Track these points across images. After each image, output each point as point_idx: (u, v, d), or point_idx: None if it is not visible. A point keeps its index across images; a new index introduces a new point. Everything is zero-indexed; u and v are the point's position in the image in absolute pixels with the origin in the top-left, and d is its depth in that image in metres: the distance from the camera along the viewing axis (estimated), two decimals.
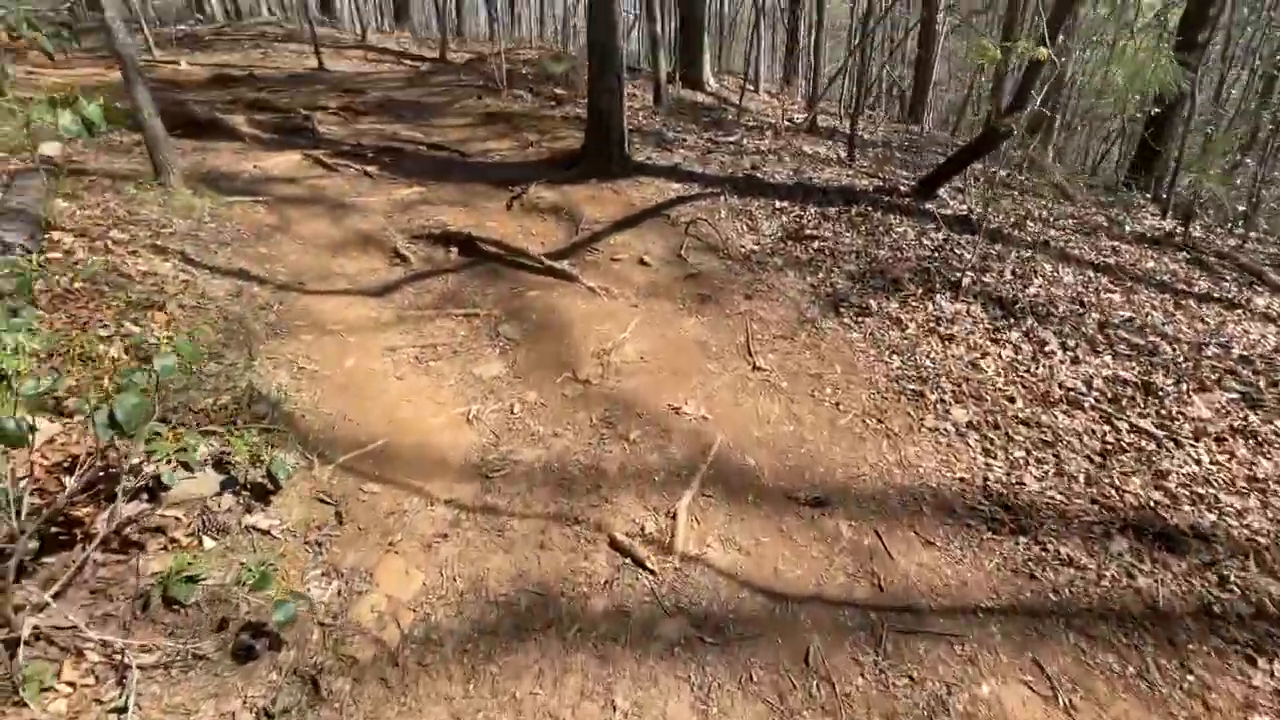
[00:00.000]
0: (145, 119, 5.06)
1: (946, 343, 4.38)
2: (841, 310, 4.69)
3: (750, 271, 5.21)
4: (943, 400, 3.83)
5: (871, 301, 4.77)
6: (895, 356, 4.26)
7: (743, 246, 5.50)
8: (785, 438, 3.49)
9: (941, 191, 6.79)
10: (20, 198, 4.19)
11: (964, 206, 6.61)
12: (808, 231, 5.71)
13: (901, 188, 6.85)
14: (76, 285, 3.45)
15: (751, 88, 14.02)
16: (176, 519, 2.49)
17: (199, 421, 2.87)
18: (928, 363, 4.18)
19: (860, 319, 4.61)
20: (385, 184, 6.40)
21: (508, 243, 5.14)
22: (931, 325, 4.56)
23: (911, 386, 3.95)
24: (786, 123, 9.77)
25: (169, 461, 2.44)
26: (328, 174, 6.44)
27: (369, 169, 6.61)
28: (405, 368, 3.80)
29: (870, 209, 6.21)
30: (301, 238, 5.09)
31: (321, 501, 2.81)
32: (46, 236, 3.95)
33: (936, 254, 5.44)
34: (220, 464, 2.72)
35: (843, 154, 8.14)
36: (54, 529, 2.27)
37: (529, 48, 17.98)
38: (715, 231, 5.53)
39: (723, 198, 6.07)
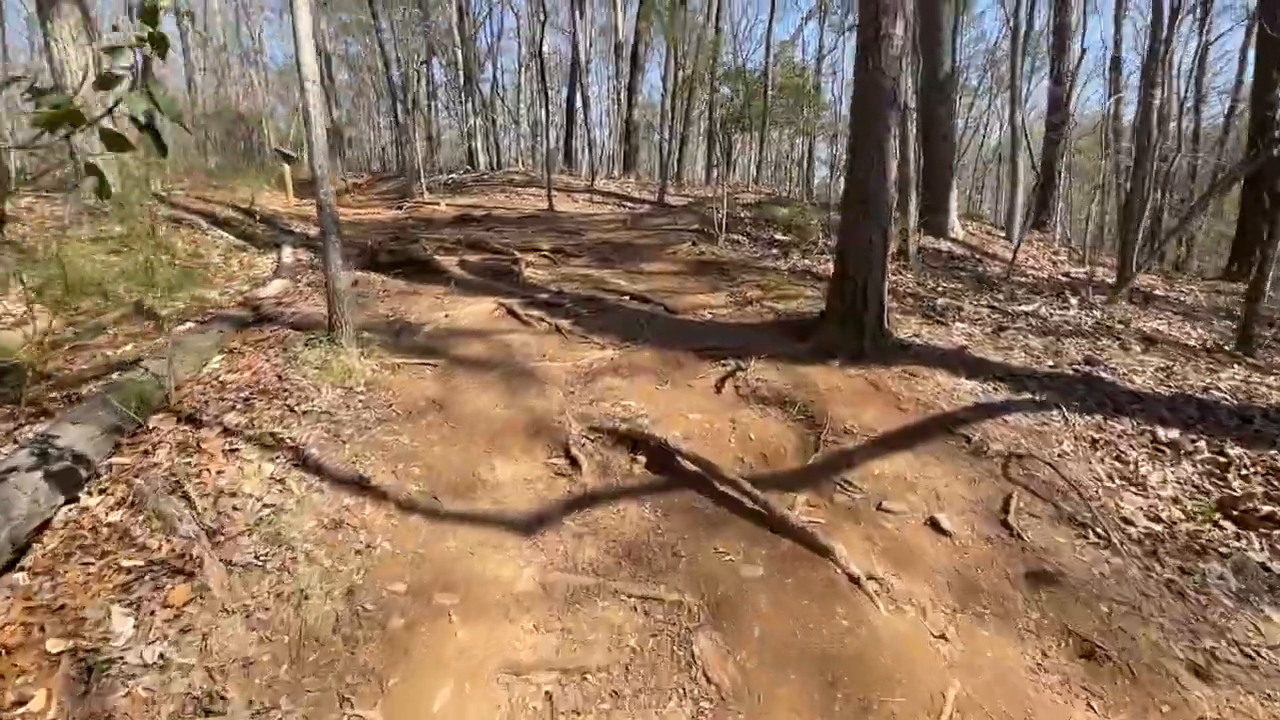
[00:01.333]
0: (331, 272, 4.37)
1: None
2: None
3: (1171, 594, 2.66)
4: None
5: None
6: None
7: (1127, 519, 3.09)
8: None
9: None
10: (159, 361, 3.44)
11: None
12: (1259, 507, 3.15)
13: None
14: (110, 520, 2.36)
15: (1003, 235, 11.66)
16: None
17: None
18: None
19: None
20: (576, 343, 5.21)
21: (716, 465, 3.41)
22: None
23: None
24: (1092, 287, 7.30)
25: None
26: (517, 327, 5.44)
27: (562, 323, 5.52)
28: None
29: None
30: (459, 419, 3.88)
31: None
32: (142, 428, 3.06)
33: None
34: None
35: (1212, 338, 5.50)
36: None
37: (747, 191, 17.54)
38: (1060, 478, 3.28)
39: (1056, 412, 3.82)
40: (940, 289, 6.39)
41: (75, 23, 8.54)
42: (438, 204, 15.93)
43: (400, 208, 15.76)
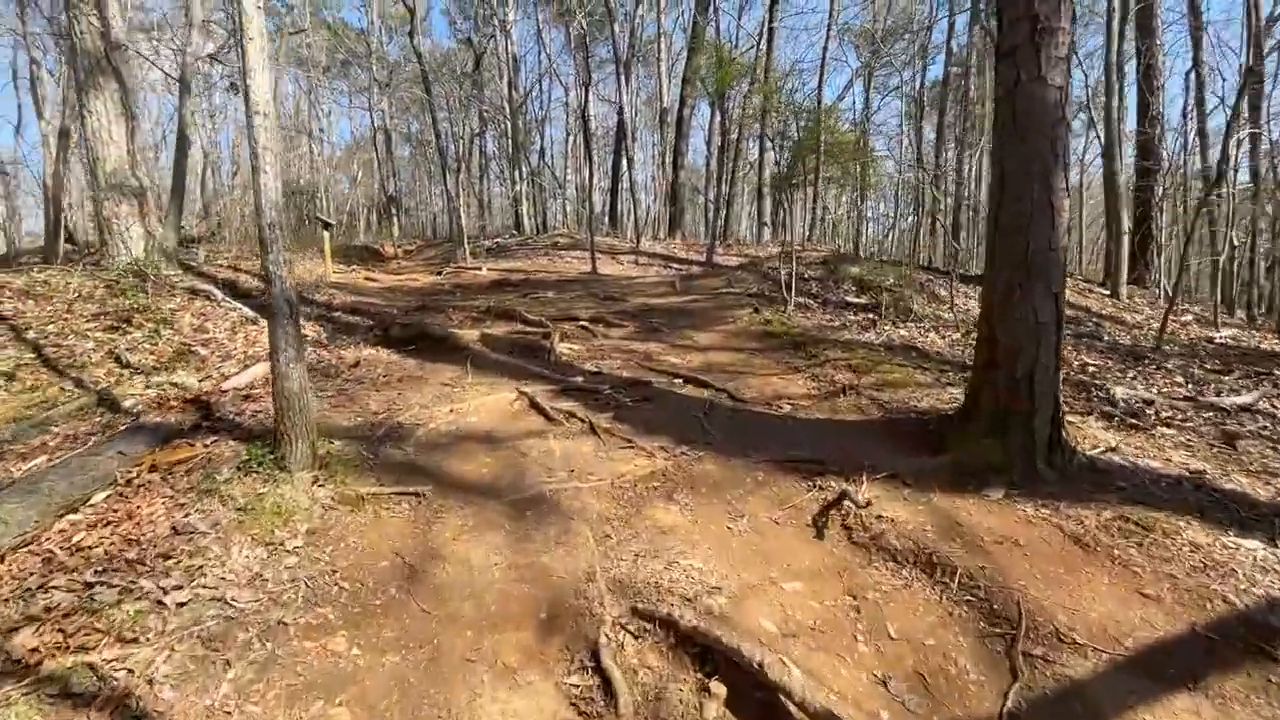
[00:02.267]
0: (281, 367, 3.13)
1: None
2: None
3: None
4: None
5: None
6: None
7: None
8: None
9: None
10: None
11: None
12: None
13: None
14: None
15: (1101, 288, 9.91)
16: None
17: None
18: None
19: None
20: (616, 447, 3.82)
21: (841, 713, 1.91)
22: None
23: None
24: None
25: None
26: (541, 427, 4.10)
27: (598, 419, 4.16)
28: None
29: None
30: (437, 597, 2.49)
31: None
32: None
33: None
34: None
35: None
36: None
37: (801, 249, 16.22)
38: None
39: None
40: (1119, 373, 4.78)
41: (112, 95, 8.05)
42: (479, 269, 15.18)
43: (440, 273, 15.07)
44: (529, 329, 6.56)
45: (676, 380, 5.03)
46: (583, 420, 4.17)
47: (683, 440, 3.95)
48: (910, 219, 28.16)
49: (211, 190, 20.76)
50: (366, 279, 13.27)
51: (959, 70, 20.19)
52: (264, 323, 7.29)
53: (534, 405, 4.36)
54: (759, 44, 18.01)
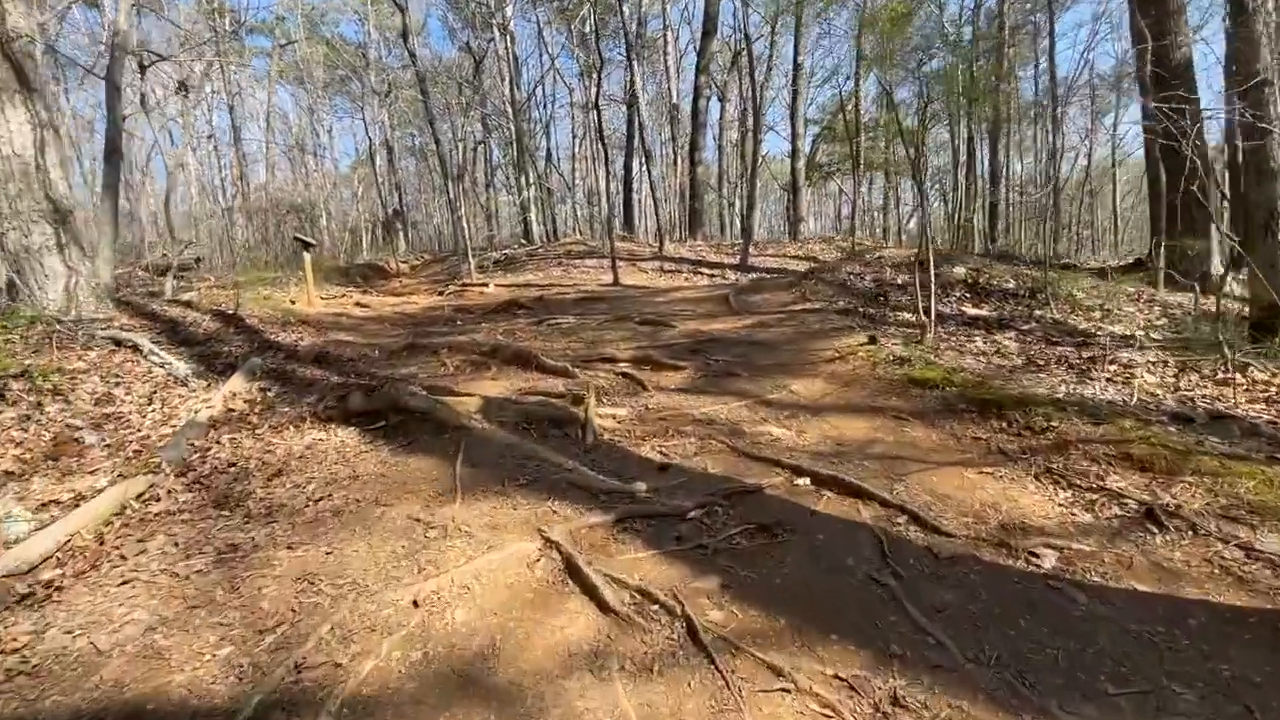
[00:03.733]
0: None
1: None
2: None
3: None
4: None
5: None
6: None
7: None
8: None
9: None
10: None
11: None
12: None
13: None
14: None
15: None
16: None
17: None
18: None
19: None
20: (756, 688, 1.77)
21: None
22: None
23: None
24: None
25: None
26: (595, 637, 1.99)
27: (701, 604, 2.05)
28: None
29: None
30: None
31: None
32: None
33: None
34: None
35: None
36: None
37: (855, 245, 13.73)
38: None
39: None
40: None
41: (11, 97, 6.10)
42: (486, 284, 13.15)
43: (443, 292, 13.06)
44: (549, 383, 4.47)
45: (800, 480, 2.92)
46: (670, 608, 2.07)
47: (878, 657, 1.86)
48: (937, 204, 25.75)
49: (196, 212, 18.92)
50: (358, 304, 11.29)
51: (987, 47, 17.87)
52: (198, 383, 5.26)
53: (573, 572, 2.27)
54: (774, 26, 15.81)
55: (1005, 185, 18.23)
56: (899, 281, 6.54)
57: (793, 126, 14.89)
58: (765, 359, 4.85)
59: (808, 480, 2.92)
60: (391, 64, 28.07)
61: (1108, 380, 3.54)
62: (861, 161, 13.23)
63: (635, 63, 15.03)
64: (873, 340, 4.66)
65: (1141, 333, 4.61)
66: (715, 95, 23.57)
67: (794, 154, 15.11)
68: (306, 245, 10.29)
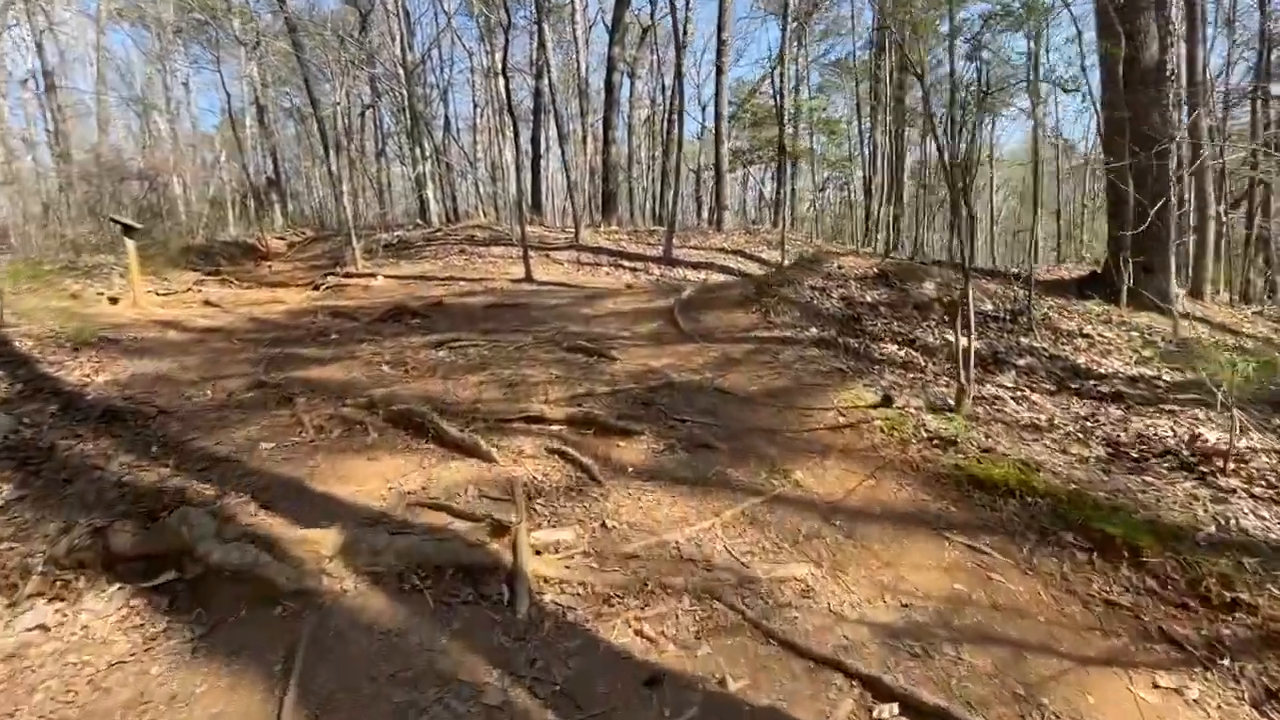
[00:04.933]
0: None
1: None
2: None
3: None
4: None
5: None
6: None
7: None
8: None
9: None
10: None
11: None
12: None
13: None
14: None
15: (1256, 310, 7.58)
16: None
17: None
18: None
19: None
20: None
21: None
22: None
23: None
24: None
25: None
26: None
27: None
28: None
29: None
30: None
31: None
32: None
33: None
34: None
35: None
36: None
37: (764, 235, 12.70)
38: None
39: None
40: None
41: None
42: (373, 276, 11.07)
43: (319, 285, 10.84)
44: (453, 470, 3.03)
45: (884, 711, 1.76)
46: None
47: None
48: (829, 193, 25.83)
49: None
50: (206, 303, 8.96)
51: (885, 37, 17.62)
52: None
53: None
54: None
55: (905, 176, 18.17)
56: (868, 300, 5.58)
57: (717, 107, 13.76)
58: (744, 418, 3.66)
59: (895, 708, 1.75)
60: (259, 10, 24.00)
61: (1245, 490, 2.66)
62: (789, 147, 12.35)
63: (545, 25, 13.23)
64: (888, 401, 3.59)
65: (1180, 375, 3.86)
66: (626, 71, 22.03)
67: (718, 137, 14.02)
68: (128, 230, 7.87)
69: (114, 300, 8.09)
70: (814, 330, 4.94)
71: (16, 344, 5.01)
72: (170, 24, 24.51)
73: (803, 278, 5.99)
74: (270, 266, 15.04)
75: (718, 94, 13.84)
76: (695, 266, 12.10)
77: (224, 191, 24.52)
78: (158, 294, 9.25)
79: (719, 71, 13.80)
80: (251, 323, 7.32)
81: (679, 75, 12.14)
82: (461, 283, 10.31)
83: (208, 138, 29.05)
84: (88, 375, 4.70)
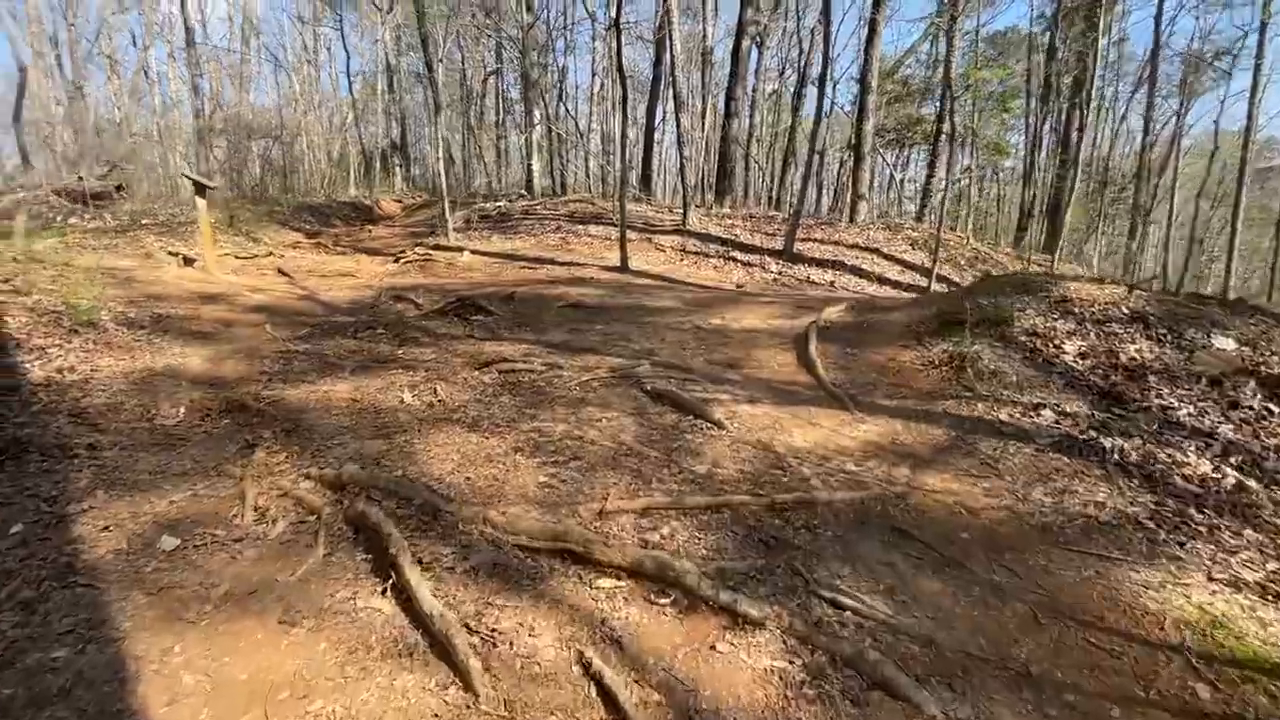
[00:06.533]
0: None
1: None
2: None
3: None
4: None
5: None
6: None
7: None
8: None
9: None
10: None
11: None
12: None
13: None
14: None
15: None
16: None
17: None
18: None
19: None
20: None
21: None
22: None
23: None
24: None
25: None
26: None
27: None
28: None
29: None
30: None
31: None
32: None
33: None
34: None
35: None
36: None
37: (916, 232, 10.05)
38: None
39: None
40: None
41: None
42: (460, 251, 9.98)
43: (400, 258, 9.92)
44: (395, 704, 1.54)
45: None
46: None
47: None
48: (966, 183, 22.12)
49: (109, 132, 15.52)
50: (277, 273, 8.23)
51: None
52: None
53: None
54: None
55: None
56: (1126, 359, 3.48)
57: (863, 75, 11.36)
58: (951, 610, 1.88)
59: None
60: None
61: None
62: (955, 128, 9.81)
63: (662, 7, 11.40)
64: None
65: None
66: (755, 39, 19.67)
67: (861, 111, 11.64)
68: (200, 189, 7.16)
69: (189, 261, 7.48)
70: (1048, 412, 2.98)
71: (7, 326, 4.12)
72: None
73: (1009, 308, 3.96)
74: (371, 231, 14.59)
75: (866, 58, 11.42)
76: (820, 265, 10.02)
77: (348, 152, 24.97)
78: (237, 257, 8.67)
79: (871, 31, 11.36)
80: (303, 302, 6.33)
81: (825, 38, 9.90)
82: (549, 266, 8.97)
83: (343, 101, 29.81)
84: (57, 372, 3.70)
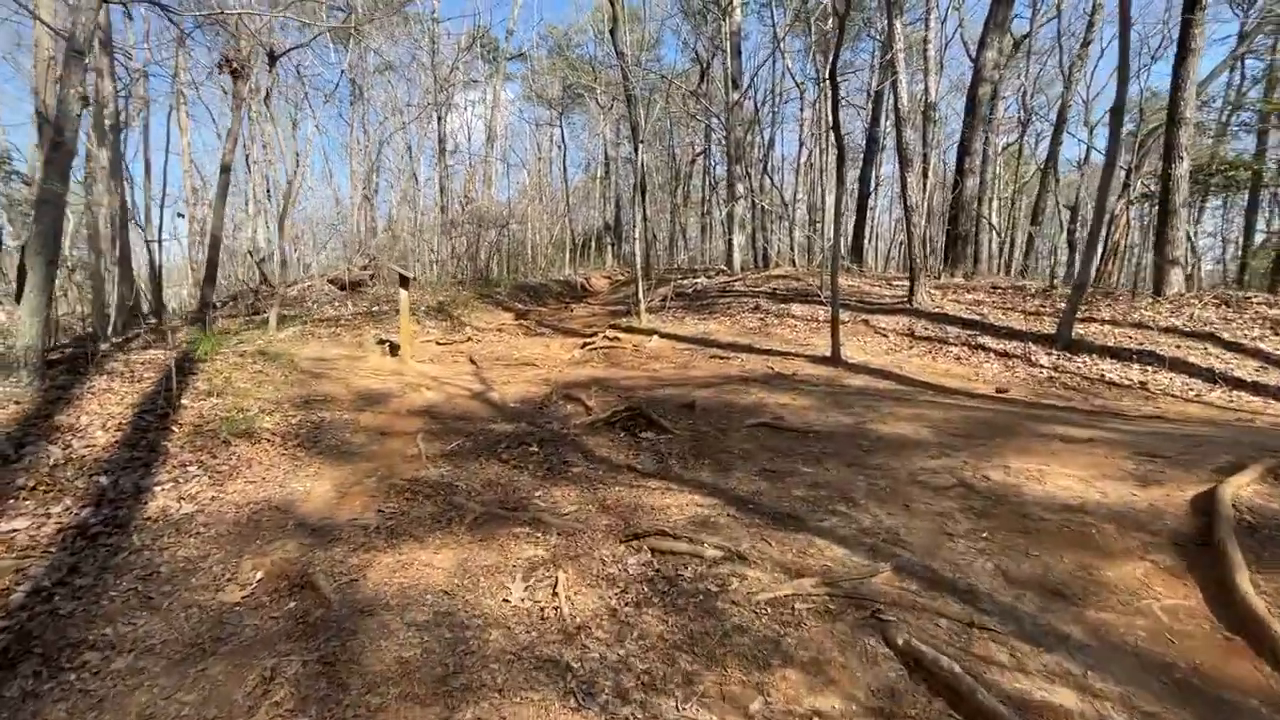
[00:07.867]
0: None
1: None
2: None
3: None
4: None
5: None
6: None
7: None
8: None
9: None
10: None
11: None
12: None
13: None
14: None
15: None
16: None
17: None
18: None
19: None
20: None
21: None
22: None
23: None
24: None
25: None
26: None
27: None
28: None
29: None
30: None
31: None
32: None
33: None
34: None
35: None
36: None
37: None
38: None
39: None
40: None
41: None
42: (650, 335, 9.17)
43: (587, 343, 9.41)
44: None
45: None
46: None
47: None
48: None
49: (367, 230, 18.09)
50: (469, 361, 8.12)
51: None
52: None
53: None
54: None
55: None
56: None
57: (1173, 105, 8.36)
58: None
59: None
60: (618, 78, 26.01)
61: None
62: None
63: (894, 17, 9.84)
64: None
65: None
66: (991, 87, 16.79)
67: (1169, 151, 8.55)
68: (404, 281, 7.33)
69: (394, 349, 7.69)
70: None
71: (171, 435, 3.96)
72: (555, 99, 28.27)
73: None
74: (573, 310, 14.84)
75: (1176, 83, 8.43)
76: (1118, 357, 7.10)
77: (565, 236, 27.01)
78: (438, 343, 8.87)
79: (1182, 48, 8.41)
80: (473, 401, 5.78)
81: (1123, 64, 7.38)
82: (744, 355, 7.62)
83: (564, 190, 32.80)
84: (176, 500, 3.28)
